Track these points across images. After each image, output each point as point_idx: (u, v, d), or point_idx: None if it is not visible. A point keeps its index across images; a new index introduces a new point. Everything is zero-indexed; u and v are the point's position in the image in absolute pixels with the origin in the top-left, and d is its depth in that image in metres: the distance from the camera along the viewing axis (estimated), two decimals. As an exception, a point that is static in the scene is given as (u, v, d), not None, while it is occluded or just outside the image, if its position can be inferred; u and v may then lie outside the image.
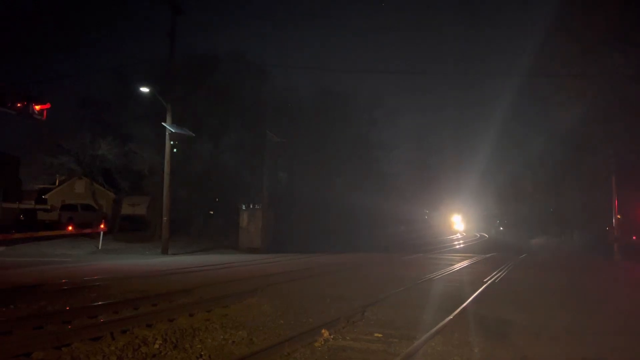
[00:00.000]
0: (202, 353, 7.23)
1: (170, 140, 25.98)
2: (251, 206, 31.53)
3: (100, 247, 26.14)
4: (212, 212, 46.63)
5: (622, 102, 25.53)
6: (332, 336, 8.14)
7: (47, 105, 18.41)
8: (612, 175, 29.59)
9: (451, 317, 9.91)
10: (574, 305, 12.44)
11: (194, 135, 28.06)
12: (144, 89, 27.28)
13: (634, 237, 32.86)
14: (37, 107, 17.92)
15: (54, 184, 47.28)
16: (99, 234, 26.73)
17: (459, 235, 63.48)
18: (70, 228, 27.90)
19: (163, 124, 26.02)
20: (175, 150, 26.56)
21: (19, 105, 17.66)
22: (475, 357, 7.43)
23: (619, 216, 30.02)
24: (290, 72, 67.74)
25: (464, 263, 24.02)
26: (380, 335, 8.52)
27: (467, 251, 36.28)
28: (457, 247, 44.29)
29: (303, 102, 43.17)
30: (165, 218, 25.83)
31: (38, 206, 42.08)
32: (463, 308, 11.05)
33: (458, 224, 77.21)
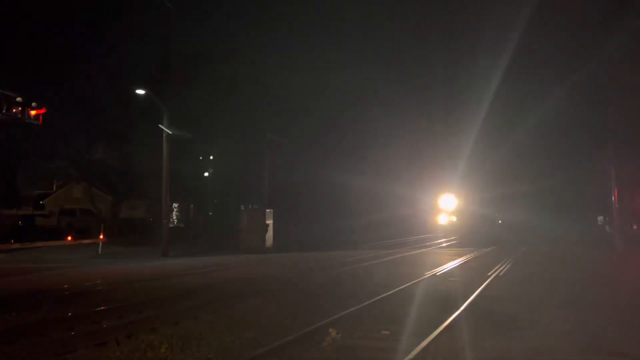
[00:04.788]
0: (210, 356, 7.14)
1: (168, 142, 25.84)
2: (250, 206, 31.41)
3: (100, 252, 26.00)
4: (210, 214, 46.56)
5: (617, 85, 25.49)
6: (339, 335, 8.04)
7: (43, 110, 18.28)
8: (612, 165, 29.53)
9: (458, 312, 9.83)
10: (580, 297, 12.40)
11: (191, 136, 27.93)
12: (140, 91, 27.08)
13: (635, 226, 32.80)
14: (33, 113, 17.79)
15: (52, 189, 46.99)
16: (98, 243, 26.62)
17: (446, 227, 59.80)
18: (69, 238, 27.71)
19: (160, 125, 25.86)
20: (172, 152, 26.41)
21: (13, 111, 17.53)
22: (487, 351, 7.35)
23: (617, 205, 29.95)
24: (287, 69, 67.27)
25: (464, 258, 23.96)
26: (387, 332, 8.43)
27: (465, 245, 35.99)
28: (455, 240, 43.99)
29: (300, 98, 43.15)
30: (164, 220, 25.71)
31: (36, 212, 41.77)
32: (470, 303, 10.97)
33: (446, 213, 64.63)
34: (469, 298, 11.45)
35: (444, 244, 36.83)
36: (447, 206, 61.48)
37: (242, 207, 31.31)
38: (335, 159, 43.78)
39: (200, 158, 41.49)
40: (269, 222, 30.53)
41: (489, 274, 16.64)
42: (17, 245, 25.08)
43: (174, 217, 39.20)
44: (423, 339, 7.64)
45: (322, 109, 44.45)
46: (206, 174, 42.29)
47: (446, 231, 55.08)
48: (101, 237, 26.65)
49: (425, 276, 16.17)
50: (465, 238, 43.12)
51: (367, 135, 51.52)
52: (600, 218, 34.99)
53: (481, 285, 13.71)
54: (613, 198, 29.78)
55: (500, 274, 16.99)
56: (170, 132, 25.57)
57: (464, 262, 21.87)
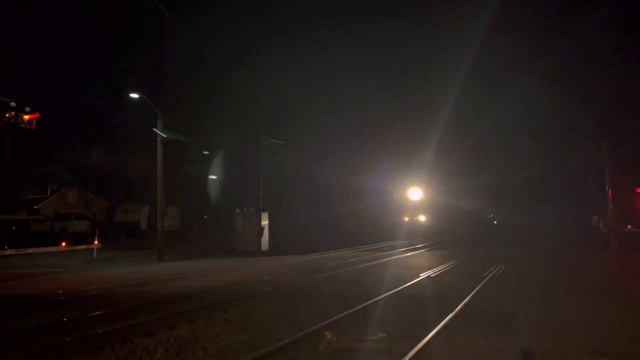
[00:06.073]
0: (206, 360, 7.14)
1: (163, 146, 25.78)
2: (246, 209, 31.27)
3: (95, 256, 25.89)
4: (206, 217, 46.47)
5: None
6: (335, 338, 8.05)
7: (36, 115, 18.20)
8: (605, 165, 29.59)
9: (453, 313, 9.86)
10: (571, 296, 12.45)
11: (186, 140, 27.84)
12: (134, 95, 27.03)
13: (628, 226, 32.88)
14: (26, 117, 17.72)
15: (46, 194, 46.83)
16: (92, 248, 26.49)
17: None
18: (64, 243, 27.53)
19: (154, 129, 25.78)
20: (167, 155, 26.35)
21: (7, 115, 17.46)
22: (483, 352, 7.37)
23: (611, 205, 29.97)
24: (283, 73, 67.52)
25: (455, 260, 24.01)
26: (383, 334, 8.44)
27: (449, 246, 35.83)
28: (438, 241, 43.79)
29: (294, 102, 43.31)
30: (159, 224, 25.61)
31: (30, 217, 41.55)
32: (464, 304, 11.00)
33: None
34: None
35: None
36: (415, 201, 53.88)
37: (237, 210, 31.07)
38: (320, 157, 43.91)
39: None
40: (265, 223, 30.48)
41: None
42: (11, 251, 24.90)
43: (169, 221, 39.13)
44: (419, 341, 7.67)
45: (308, 108, 44.57)
46: (213, 177, 41.86)
47: (417, 234, 51.02)
48: (95, 242, 26.54)
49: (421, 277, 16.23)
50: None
51: (356, 135, 51.54)
52: (594, 218, 34.94)
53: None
54: (607, 197, 29.84)
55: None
56: (164, 136, 25.48)
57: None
